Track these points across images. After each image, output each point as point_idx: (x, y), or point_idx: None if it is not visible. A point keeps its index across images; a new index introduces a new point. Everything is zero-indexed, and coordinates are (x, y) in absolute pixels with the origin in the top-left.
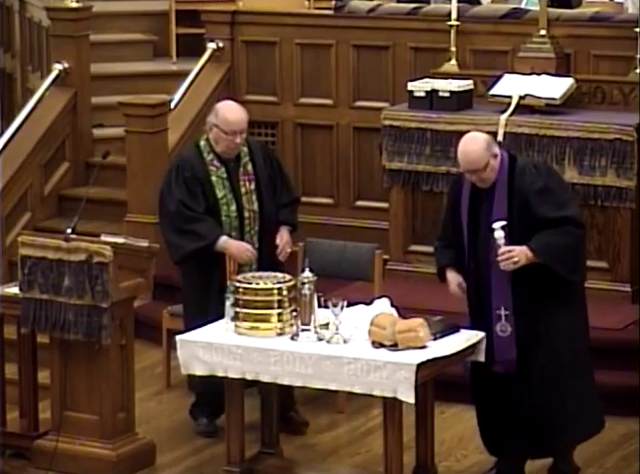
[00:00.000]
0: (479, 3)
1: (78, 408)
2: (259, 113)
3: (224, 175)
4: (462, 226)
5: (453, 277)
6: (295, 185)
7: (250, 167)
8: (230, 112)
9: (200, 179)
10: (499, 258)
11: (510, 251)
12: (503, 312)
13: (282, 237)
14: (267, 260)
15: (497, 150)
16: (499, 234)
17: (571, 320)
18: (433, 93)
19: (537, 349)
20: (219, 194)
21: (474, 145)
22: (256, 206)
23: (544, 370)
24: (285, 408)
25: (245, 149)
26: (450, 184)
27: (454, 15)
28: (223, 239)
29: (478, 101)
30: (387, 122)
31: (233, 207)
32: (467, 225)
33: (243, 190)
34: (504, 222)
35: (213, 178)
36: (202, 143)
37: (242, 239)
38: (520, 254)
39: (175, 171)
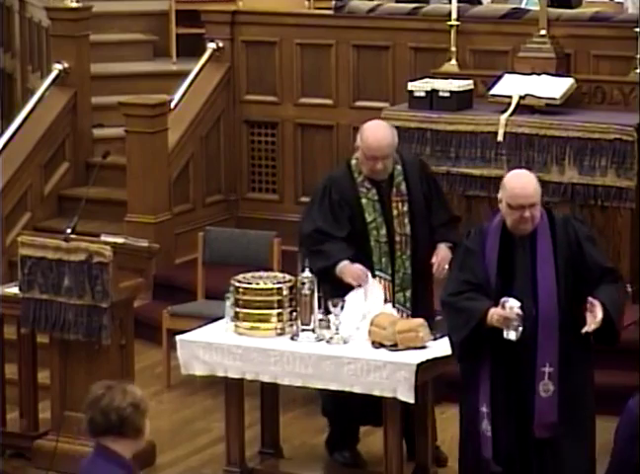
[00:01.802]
0: (479, 3)
1: (78, 408)
2: (259, 113)
3: (375, 197)
4: (489, 282)
5: (498, 308)
6: (298, 185)
7: (403, 187)
8: (373, 136)
9: (349, 202)
10: (588, 329)
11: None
12: (547, 369)
13: (439, 254)
14: (420, 285)
15: None
16: (517, 311)
17: (592, 380)
18: (433, 93)
19: (574, 410)
20: (369, 217)
21: (528, 178)
22: (408, 229)
23: (576, 436)
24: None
25: (399, 167)
26: (469, 238)
27: (454, 15)
28: (343, 263)
29: (478, 101)
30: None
31: (383, 231)
32: (497, 280)
33: (395, 212)
34: (519, 303)
35: (363, 200)
36: (354, 163)
37: (392, 264)
38: (600, 315)
39: (322, 192)
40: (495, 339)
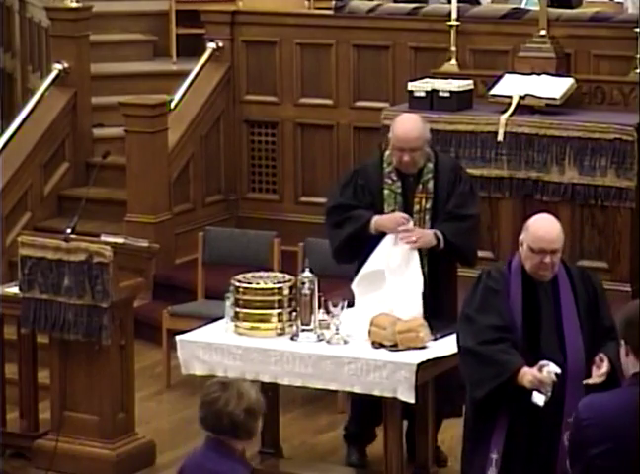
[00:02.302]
0: (479, 3)
1: (78, 408)
2: (259, 113)
3: (398, 190)
4: (515, 324)
5: (535, 369)
6: (298, 185)
7: (431, 185)
8: (402, 127)
9: (373, 190)
10: (591, 382)
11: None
12: (572, 419)
13: (418, 229)
14: (437, 285)
15: None
16: (553, 378)
17: None
18: (433, 93)
19: None
20: (387, 209)
21: (553, 222)
22: (427, 226)
23: None
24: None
25: (430, 165)
26: (490, 277)
27: (454, 15)
28: (376, 217)
29: (478, 101)
30: (387, 122)
31: None
32: (523, 324)
33: (416, 207)
34: (559, 370)
35: (385, 191)
36: (387, 153)
37: None
38: (604, 370)
39: (350, 175)
40: (519, 394)
